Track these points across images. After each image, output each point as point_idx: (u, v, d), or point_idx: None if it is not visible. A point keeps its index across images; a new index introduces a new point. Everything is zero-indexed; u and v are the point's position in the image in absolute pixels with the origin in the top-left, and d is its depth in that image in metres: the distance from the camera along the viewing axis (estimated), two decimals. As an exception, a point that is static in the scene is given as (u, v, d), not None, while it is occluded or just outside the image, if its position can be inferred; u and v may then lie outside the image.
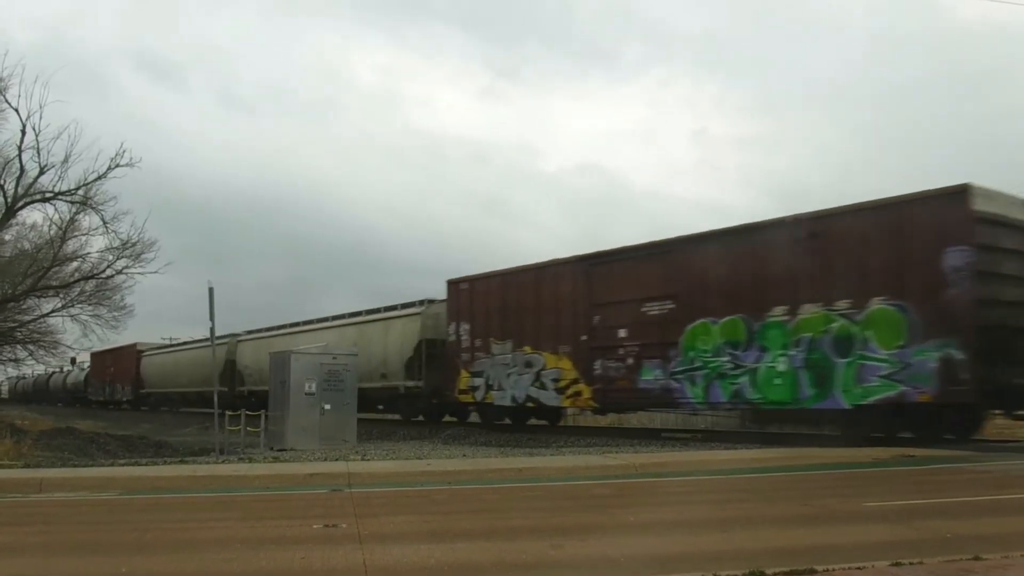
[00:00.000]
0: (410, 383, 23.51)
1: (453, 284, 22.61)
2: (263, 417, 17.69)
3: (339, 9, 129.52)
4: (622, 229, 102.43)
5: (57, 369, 57.40)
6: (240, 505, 9.14)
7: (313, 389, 17.68)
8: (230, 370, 33.60)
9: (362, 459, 13.46)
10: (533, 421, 22.52)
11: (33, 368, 54.20)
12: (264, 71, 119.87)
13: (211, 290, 15.10)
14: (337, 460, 13.28)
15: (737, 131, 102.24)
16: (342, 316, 28.55)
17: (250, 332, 34.66)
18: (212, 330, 16.03)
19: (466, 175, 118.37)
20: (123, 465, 12.61)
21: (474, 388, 21.50)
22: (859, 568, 5.09)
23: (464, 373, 21.81)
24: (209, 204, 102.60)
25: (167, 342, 46.66)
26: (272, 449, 16.78)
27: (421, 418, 24.69)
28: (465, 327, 21.96)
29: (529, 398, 20.07)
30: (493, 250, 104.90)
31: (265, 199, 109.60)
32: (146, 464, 12.71)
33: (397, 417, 26.10)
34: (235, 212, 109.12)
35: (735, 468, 11.76)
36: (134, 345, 45.15)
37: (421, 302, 24.25)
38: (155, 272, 26.69)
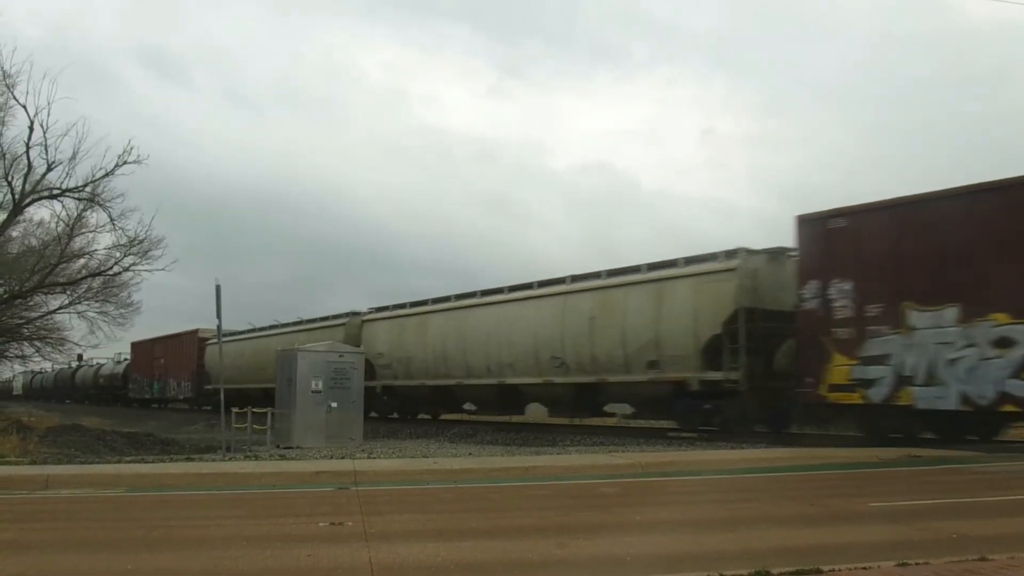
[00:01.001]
0: (714, 375, 16.06)
1: (813, 222, 15.24)
2: (269, 415, 17.73)
3: (345, 6, 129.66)
4: (629, 228, 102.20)
5: (84, 362, 52.14)
6: (246, 503, 9.17)
7: (320, 387, 17.73)
8: None
9: (368, 457, 13.49)
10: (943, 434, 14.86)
11: (53, 363, 49.95)
12: (270, 68, 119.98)
13: (218, 288, 15.16)
14: (343, 458, 13.30)
15: (744, 130, 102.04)
16: (559, 281, 20.22)
17: (381, 309, 27.12)
18: (219, 327, 16.23)
19: (473, 173, 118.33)
20: (129, 462, 12.64)
21: (866, 382, 14.12)
22: (865, 568, 5.08)
23: (840, 359, 14.53)
24: (216, 201, 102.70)
25: (249, 326, 36.42)
26: (278, 447, 16.81)
27: (715, 428, 16.90)
28: (841, 287, 14.61)
29: (1007, 397, 12.56)
30: (499, 249, 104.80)
31: (272, 196, 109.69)
32: (152, 461, 12.75)
33: (661, 425, 19.56)
34: (242, 209, 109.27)
35: (741, 468, 11.76)
36: (195, 332, 37.78)
37: (731, 252, 16.44)
38: (162, 269, 26.69)
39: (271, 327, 33.22)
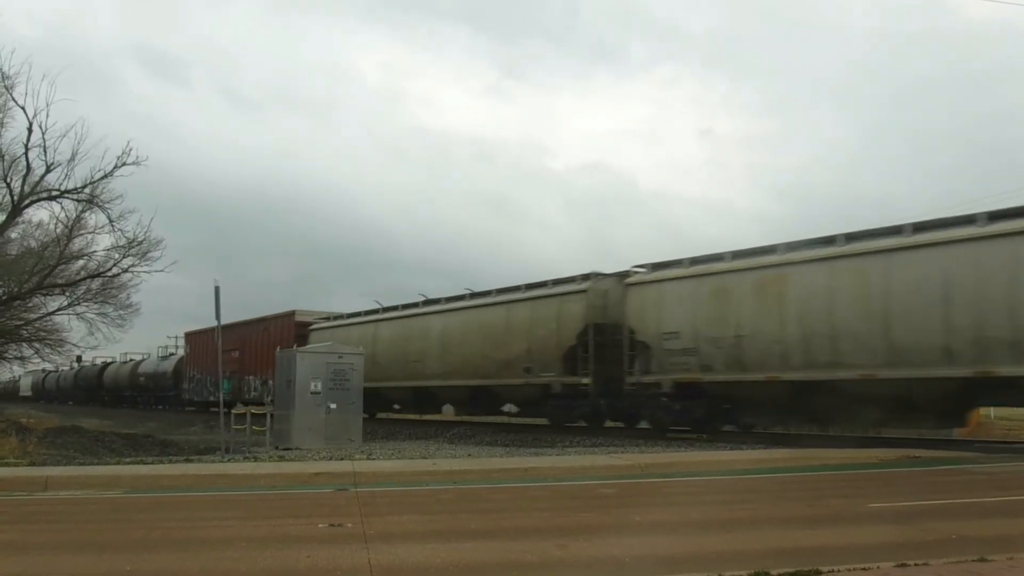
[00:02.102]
0: None
1: None
2: (268, 416, 17.72)
3: (344, 6, 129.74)
4: (629, 228, 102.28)
5: (114, 357, 46.54)
6: (245, 504, 9.16)
7: (319, 388, 17.71)
8: (598, 340, 18.80)
9: (367, 458, 13.47)
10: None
11: (71, 361, 43.36)
12: (269, 69, 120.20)
13: (217, 289, 15.16)
14: (342, 459, 13.28)
15: (744, 130, 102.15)
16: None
17: (660, 266, 18.03)
18: (218, 328, 16.25)
19: (472, 173, 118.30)
20: (129, 464, 12.63)
21: None
22: (864, 569, 5.08)
23: None
24: (215, 201, 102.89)
25: (375, 306, 27.93)
26: (277, 448, 16.79)
27: None
28: None
29: None
30: (499, 249, 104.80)
31: (271, 197, 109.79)
32: (152, 463, 12.74)
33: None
34: (241, 209, 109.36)
35: (740, 469, 11.75)
36: (291, 314, 29.92)
37: None
38: (161, 271, 26.60)
39: (430, 302, 24.83)
